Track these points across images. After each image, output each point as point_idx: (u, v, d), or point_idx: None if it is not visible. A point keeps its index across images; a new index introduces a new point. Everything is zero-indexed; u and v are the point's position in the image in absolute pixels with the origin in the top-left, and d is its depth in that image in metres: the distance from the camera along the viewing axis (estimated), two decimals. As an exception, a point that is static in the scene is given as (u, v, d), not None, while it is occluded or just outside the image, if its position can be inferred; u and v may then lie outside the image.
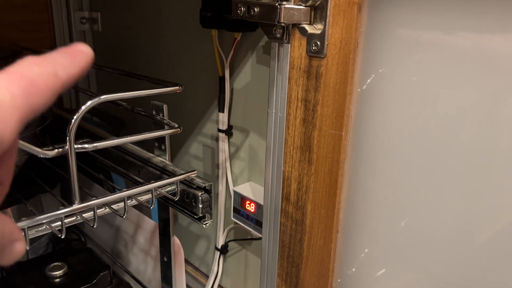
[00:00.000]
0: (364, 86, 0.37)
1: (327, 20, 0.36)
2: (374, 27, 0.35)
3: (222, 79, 0.60)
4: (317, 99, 0.39)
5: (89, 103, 0.35)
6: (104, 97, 0.36)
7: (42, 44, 0.90)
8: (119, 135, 0.60)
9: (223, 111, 0.62)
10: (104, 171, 0.60)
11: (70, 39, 0.91)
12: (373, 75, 0.36)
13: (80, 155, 0.34)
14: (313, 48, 0.38)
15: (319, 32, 0.37)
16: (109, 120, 0.81)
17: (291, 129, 0.42)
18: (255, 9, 0.41)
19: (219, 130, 0.63)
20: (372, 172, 0.40)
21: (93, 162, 0.58)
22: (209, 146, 0.68)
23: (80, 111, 0.34)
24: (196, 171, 0.44)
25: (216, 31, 0.59)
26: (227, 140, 0.63)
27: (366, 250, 0.43)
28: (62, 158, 0.35)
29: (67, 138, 0.34)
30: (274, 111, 0.45)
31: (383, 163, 0.39)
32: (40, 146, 0.34)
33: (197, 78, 0.66)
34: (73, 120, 0.34)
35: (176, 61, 0.70)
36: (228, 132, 0.63)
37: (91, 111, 0.80)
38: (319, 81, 0.38)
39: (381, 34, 0.35)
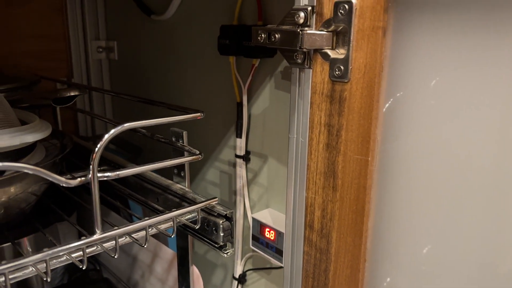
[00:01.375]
0: (390, 110, 0.36)
1: (351, 44, 0.36)
2: (399, 50, 0.35)
3: (239, 105, 0.60)
4: (341, 124, 0.38)
5: (112, 131, 0.35)
6: (127, 125, 0.35)
7: (59, 72, 0.92)
8: (136, 162, 0.60)
9: (240, 137, 0.61)
10: (121, 199, 0.59)
11: (86, 68, 0.92)
12: (398, 99, 0.36)
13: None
14: (336, 72, 0.37)
15: (342, 56, 0.37)
16: (126, 147, 0.81)
17: (314, 155, 0.42)
18: (276, 36, 0.41)
19: (237, 156, 0.63)
20: (398, 198, 0.38)
21: (110, 189, 0.57)
22: (226, 172, 0.68)
23: (104, 140, 0.34)
24: (217, 198, 0.43)
25: (234, 58, 0.59)
26: (244, 166, 0.63)
27: (388, 279, 0.42)
28: (81, 186, 0.35)
29: (90, 166, 0.33)
30: (295, 136, 0.44)
31: (409, 188, 0.38)
32: (59, 174, 0.34)
33: (214, 104, 0.66)
34: (96, 149, 0.34)
35: (193, 87, 0.70)
36: (246, 157, 0.62)
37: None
38: (342, 106, 0.38)
39: (406, 57, 0.35)
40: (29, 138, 0.40)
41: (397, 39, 0.34)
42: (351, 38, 0.36)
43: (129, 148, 0.80)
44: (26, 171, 0.30)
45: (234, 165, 0.65)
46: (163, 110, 0.48)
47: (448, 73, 0.33)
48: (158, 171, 0.54)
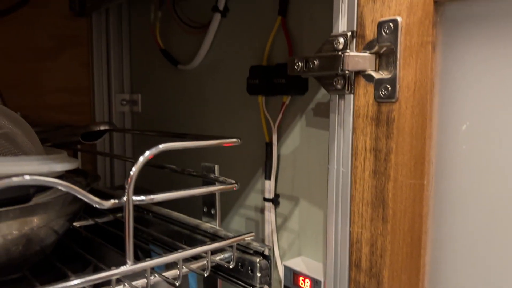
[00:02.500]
0: (445, 129, 0.34)
1: (398, 62, 0.35)
2: (450, 66, 0.33)
3: (268, 145, 0.58)
4: (390, 147, 0.36)
5: (147, 153, 0.33)
6: (162, 146, 0.33)
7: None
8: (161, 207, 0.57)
9: (269, 179, 0.59)
10: (142, 243, 0.55)
11: (109, 120, 0.92)
12: (454, 116, 0.34)
13: (113, 224, 0.31)
14: (383, 93, 0.36)
15: (388, 76, 0.35)
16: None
17: (359, 184, 0.39)
18: (315, 62, 0.40)
19: (265, 199, 0.59)
20: (460, 227, 0.35)
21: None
22: (253, 218, 0.64)
23: (139, 162, 0.32)
24: (253, 233, 0.40)
25: (263, 98, 0.58)
26: (273, 210, 0.59)
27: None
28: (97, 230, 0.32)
29: (126, 189, 0.31)
30: (335, 166, 0.42)
31: (472, 216, 0.34)
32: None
33: (241, 145, 0.65)
34: (132, 172, 0.31)
35: (220, 131, 0.69)
36: (275, 201, 0.59)
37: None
38: (391, 127, 0.36)
39: (459, 72, 0.33)
40: (58, 167, 0.38)
41: (448, 54, 0.33)
42: (398, 56, 0.35)
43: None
44: (59, 187, 0.27)
45: (261, 210, 0.62)
46: (192, 153, 0.46)
47: (505, 87, 0.31)
48: (186, 212, 0.52)
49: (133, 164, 0.32)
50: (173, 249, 0.48)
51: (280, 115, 0.57)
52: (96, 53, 0.91)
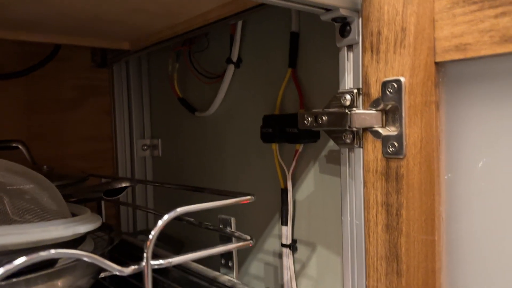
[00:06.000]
0: (453, 185, 0.34)
1: (403, 121, 0.36)
2: (454, 123, 0.34)
3: (284, 191, 0.59)
4: (401, 202, 0.36)
5: (166, 217, 0.34)
6: (180, 210, 0.35)
7: (105, 170, 0.95)
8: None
9: (286, 224, 0.59)
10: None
11: (131, 165, 0.96)
12: (461, 172, 0.34)
13: (134, 279, 0.32)
14: (390, 149, 0.37)
15: (395, 133, 0.37)
16: (167, 241, 0.80)
17: (372, 237, 0.39)
18: (323, 118, 0.42)
19: (283, 245, 0.60)
20: (473, 282, 0.34)
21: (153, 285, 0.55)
22: (271, 264, 0.64)
23: (158, 226, 0.34)
24: (270, 290, 0.40)
25: (276, 145, 0.60)
26: (291, 256, 0.59)
27: None
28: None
29: (144, 254, 0.32)
30: (349, 218, 0.42)
31: (484, 270, 0.34)
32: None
33: (258, 192, 0.66)
34: (151, 236, 0.33)
35: (236, 178, 0.71)
36: (293, 246, 0.59)
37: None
38: (400, 183, 0.36)
39: (464, 130, 0.34)
40: (81, 229, 0.40)
41: (452, 112, 0.34)
42: (403, 115, 0.36)
43: (170, 242, 0.79)
44: (82, 258, 0.29)
45: (280, 255, 0.62)
46: (207, 201, 0.48)
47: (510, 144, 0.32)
48: (204, 263, 0.53)
49: (154, 216, 0.33)
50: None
51: (294, 162, 0.58)
52: (118, 102, 0.95)
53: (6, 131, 0.82)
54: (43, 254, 0.28)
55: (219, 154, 0.74)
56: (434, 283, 0.35)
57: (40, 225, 0.37)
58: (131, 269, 0.31)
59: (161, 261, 0.33)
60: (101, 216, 0.73)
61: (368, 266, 0.39)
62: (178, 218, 0.51)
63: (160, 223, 0.34)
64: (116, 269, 0.31)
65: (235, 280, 0.46)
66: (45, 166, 0.67)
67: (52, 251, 0.28)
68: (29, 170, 0.48)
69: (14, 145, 0.69)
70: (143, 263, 0.32)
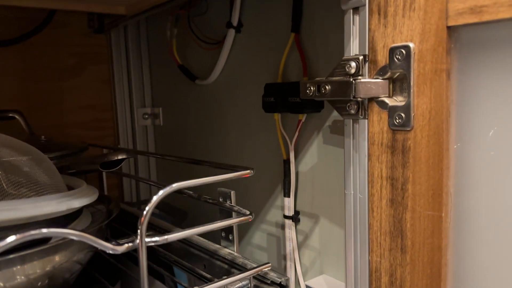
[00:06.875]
0: (463, 158, 0.32)
1: (411, 90, 0.33)
2: (466, 93, 0.32)
3: (286, 162, 0.58)
4: (407, 176, 0.35)
5: (161, 192, 0.33)
6: (175, 185, 0.33)
7: (106, 140, 0.94)
8: (181, 226, 0.58)
9: (288, 196, 0.58)
10: (166, 265, 0.56)
11: (132, 134, 0.94)
12: (472, 145, 0.32)
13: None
14: (397, 121, 0.35)
15: (402, 103, 0.34)
16: (170, 211, 0.79)
17: (376, 212, 0.38)
18: (326, 87, 0.40)
19: (285, 217, 0.59)
20: (480, 259, 0.33)
21: (154, 255, 0.55)
22: (274, 234, 0.64)
23: (152, 202, 0.32)
24: (270, 264, 0.40)
25: (279, 115, 0.58)
26: (294, 227, 0.59)
27: None
28: (125, 253, 0.32)
29: (138, 231, 0.31)
30: (352, 192, 0.41)
31: (493, 247, 0.32)
32: (105, 241, 0.32)
33: (260, 163, 0.64)
34: (145, 212, 0.32)
35: (238, 148, 0.69)
36: (295, 218, 0.58)
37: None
38: (406, 156, 0.34)
39: (476, 100, 0.32)
40: (76, 203, 0.39)
41: (464, 81, 0.32)
42: (411, 84, 0.33)
43: (173, 213, 0.78)
44: (72, 237, 0.28)
45: (282, 226, 0.61)
46: (209, 172, 0.46)
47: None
48: (204, 234, 0.52)
49: (157, 187, 0.32)
50: (192, 274, 0.48)
51: (297, 133, 0.56)
52: (117, 69, 0.93)
53: (3, 100, 0.80)
54: (34, 233, 0.27)
55: (221, 124, 0.73)
56: (440, 260, 0.33)
57: (32, 201, 0.36)
58: (124, 247, 0.30)
59: (156, 238, 0.32)
60: (102, 187, 0.73)
61: (372, 241, 0.38)
62: (178, 191, 0.50)
63: (154, 198, 0.33)
64: (109, 247, 0.30)
65: (235, 254, 0.45)
66: (43, 137, 0.65)
67: (44, 230, 0.27)
68: (23, 143, 0.46)
69: (10, 115, 0.68)
70: (137, 241, 0.31)
